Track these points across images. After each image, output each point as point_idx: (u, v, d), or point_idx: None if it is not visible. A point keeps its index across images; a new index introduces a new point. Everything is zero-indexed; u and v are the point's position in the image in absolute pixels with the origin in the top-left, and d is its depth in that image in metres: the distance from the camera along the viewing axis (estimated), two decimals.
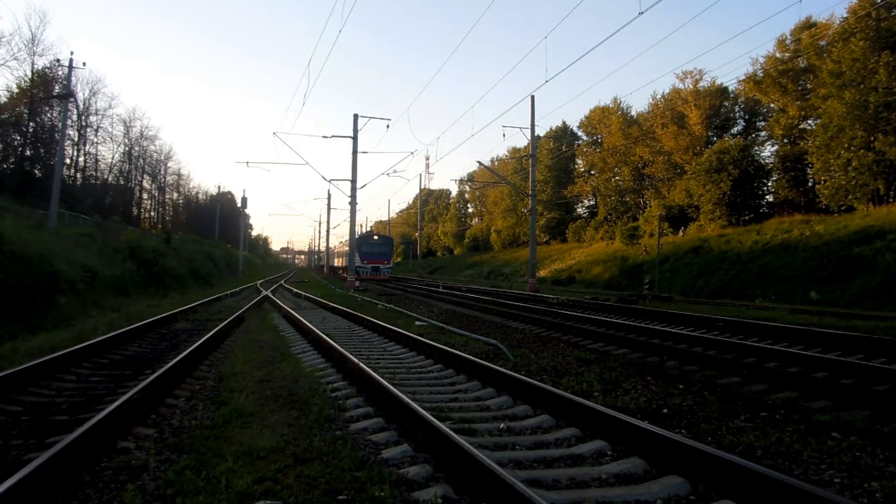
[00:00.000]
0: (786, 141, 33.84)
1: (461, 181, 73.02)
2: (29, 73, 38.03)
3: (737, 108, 39.58)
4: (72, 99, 33.36)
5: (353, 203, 29.30)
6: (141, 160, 58.03)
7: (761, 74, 33.88)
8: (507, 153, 64.46)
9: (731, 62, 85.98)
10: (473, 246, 72.07)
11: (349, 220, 30.67)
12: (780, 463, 4.04)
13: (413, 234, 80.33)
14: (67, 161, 41.81)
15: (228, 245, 59.84)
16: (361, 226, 48.97)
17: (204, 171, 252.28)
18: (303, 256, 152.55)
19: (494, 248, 63.84)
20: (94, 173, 49.82)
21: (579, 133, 53.89)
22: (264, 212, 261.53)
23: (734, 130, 39.05)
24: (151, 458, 3.93)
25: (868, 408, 5.30)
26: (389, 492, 3.35)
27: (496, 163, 67.70)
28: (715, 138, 37.31)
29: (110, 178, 52.17)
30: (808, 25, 31.45)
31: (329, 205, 58.92)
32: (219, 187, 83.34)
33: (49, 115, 39.45)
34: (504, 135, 73.33)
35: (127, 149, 54.02)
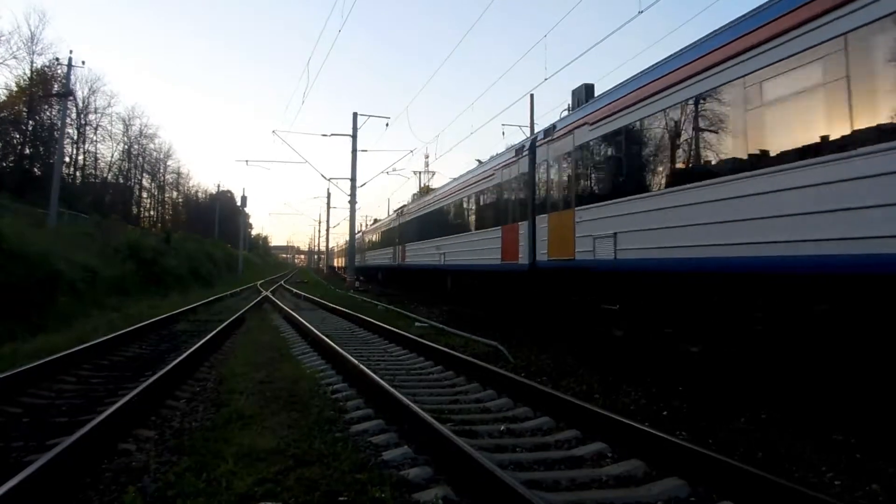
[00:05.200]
0: None
1: None
2: (28, 72, 38.14)
3: None
4: (71, 97, 33.36)
5: (352, 202, 29.25)
6: (140, 158, 58.16)
7: None
8: None
9: None
10: None
11: (349, 218, 30.62)
12: (781, 465, 4.04)
13: None
14: (67, 159, 41.87)
15: (228, 244, 59.81)
16: (361, 224, 48.18)
17: (203, 170, 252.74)
18: (303, 256, 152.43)
19: None
20: (93, 172, 49.97)
21: None
22: (264, 211, 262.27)
23: None
24: (152, 460, 3.94)
25: None
26: (390, 493, 3.36)
27: None
28: None
29: (109, 177, 52.30)
30: None
31: (329, 203, 58.86)
32: (218, 186, 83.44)
33: (48, 114, 39.56)
34: (504, 133, 73.25)
35: (126, 147, 54.19)
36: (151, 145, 60.07)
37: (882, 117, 4.76)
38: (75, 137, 45.86)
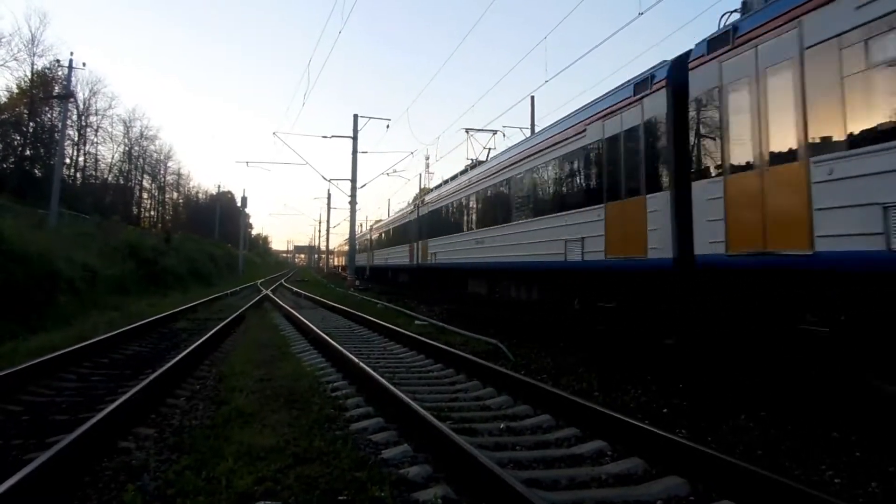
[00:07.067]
0: None
1: None
2: (29, 74, 38.13)
3: None
4: (72, 99, 33.36)
5: (352, 202, 29.24)
6: (141, 160, 58.14)
7: None
8: None
9: None
10: None
11: (349, 219, 30.64)
12: (781, 463, 4.04)
13: None
14: (67, 161, 41.87)
15: (228, 244, 59.79)
16: (361, 225, 48.22)
17: (204, 171, 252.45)
18: (303, 255, 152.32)
19: None
20: (93, 173, 49.95)
21: None
22: (264, 211, 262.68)
23: None
24: (152, 459, 3.93)
25: None
26: (389, 492, 3.35)
27: None
28: None
29: (110, 178, 52.29)
30: None
31: (329, 204, 58.87)
32: (219, 187, 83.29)
33: (49, 116, 39.53)
34: (504, 135, 73.13)
35: (127, 148, 54.19)
36: (152, 147, 60.11)
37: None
38: (76, 139, 45.89)
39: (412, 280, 26.14)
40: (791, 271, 5.73)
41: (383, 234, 33.52)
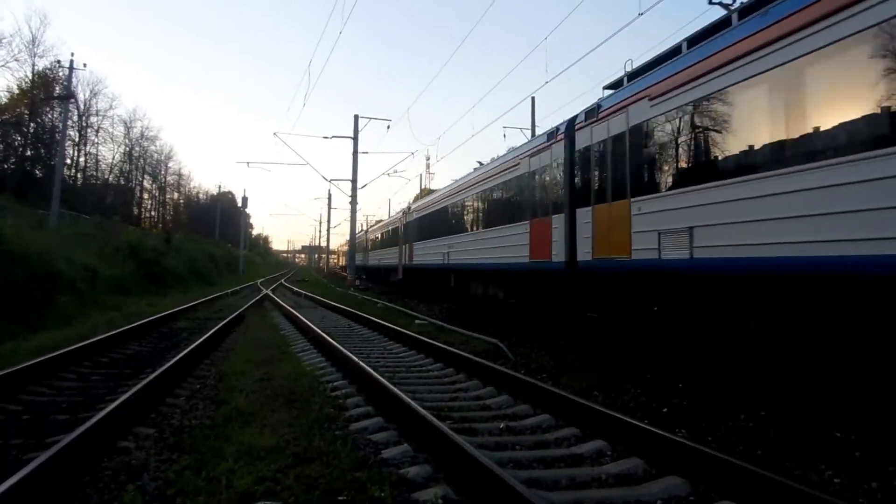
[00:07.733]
0: None
1: None
2: (29, 75, 38.16)
3: None
4: (72, 100, 33.40)
5: (353, 203, 29.28)
6: (141, 160, 58.19)
7: None
8: None
9: None
10: None
11: (350, 219, 30.67)
12: (781, 463, 4.03)
13: None
14: (68, 161, 41.93)
15: (229, 244, 59.80)
16: (361, 225, 48.25)
17: (204, 171, 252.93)
18: (303, 255, 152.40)
19: None
20: (94, 173, 50.00)
21: None
22: (265, 211, 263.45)
23: None
24: (151, 458, 3.93)
25: None
26: (389, 492, 3.35)
27: None
28: None
29: (111, 179, 52.34)
30: None
31: (329, 204, 58.99)
32: (219, 187, 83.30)
33: (50, 116, 39.59)
34: (505, 135, 72.84)
35: (127, 149, 54.25)
36: (153, 147, 60.19)
37: None
38: (76, 140, 45.93)
39: (536, 294, 12.08)
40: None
41: (446, 210, 19.17)
